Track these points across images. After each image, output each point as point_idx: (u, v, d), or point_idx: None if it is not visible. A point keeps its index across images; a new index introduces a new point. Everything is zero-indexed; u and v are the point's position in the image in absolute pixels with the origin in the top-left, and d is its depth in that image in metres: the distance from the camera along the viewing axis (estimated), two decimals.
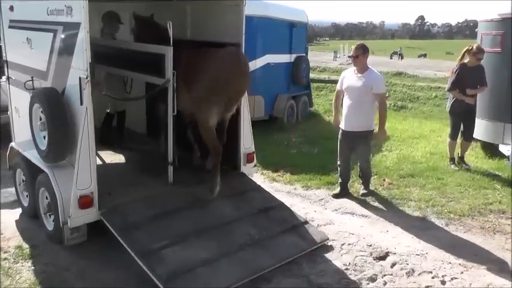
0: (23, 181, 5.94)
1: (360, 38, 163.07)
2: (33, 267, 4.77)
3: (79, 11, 4.46)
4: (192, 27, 6.35)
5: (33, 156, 5.34)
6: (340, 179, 6.87)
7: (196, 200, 5.30)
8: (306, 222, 5.43)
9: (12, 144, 6.18)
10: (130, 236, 4.55)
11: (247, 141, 5.93)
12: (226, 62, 5.22)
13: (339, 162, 6.83)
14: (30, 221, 5.75)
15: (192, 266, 4.27)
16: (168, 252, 4.40)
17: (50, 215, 5.27)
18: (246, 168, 6.00)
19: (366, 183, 6.88)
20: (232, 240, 4.77)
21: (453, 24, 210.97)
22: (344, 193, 6.77)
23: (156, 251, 4.39)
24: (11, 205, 6.30)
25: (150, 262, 4.26)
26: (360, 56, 6.34)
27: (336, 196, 6.71)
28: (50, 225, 5.29)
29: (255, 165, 6.21)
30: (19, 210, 6.07)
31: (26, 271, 4.70)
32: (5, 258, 4.93)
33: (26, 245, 5.22)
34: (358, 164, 6.89)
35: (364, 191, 6.79)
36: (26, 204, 5.92)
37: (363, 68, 6.38)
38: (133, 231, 4.62)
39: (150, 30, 5.94)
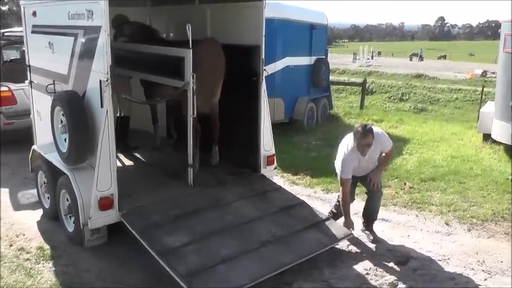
0: (44, 183, 5.98)
1: (379, 39, 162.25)
2: (54, 268, 4.80)
3: (99, 15, 4.48)
4: (212, 30, 6.33)
5: (55, 159, 5.37)
6: (332, 217, 5.59)
7: (216, 201, 5.29)
8: (328, 218, 5.33)
9: (34, 147, 6.23)
10: (151, 236, 4.54)
11: (267, 144, 5.90)
12: (204, 53, 5.45)
13: (338, 204, 5.62)
14: (51, 223, 5.79)
15: (213, 263, 4.23)
16: (189, 251, 4.37)
17: (70, 217, 5.30)
18: (266, 171, 5.96)
19: (370, 222, 5.58)
20: (253, 238, 4.71)
21: (474, 25, 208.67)
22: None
23: (176, 249, 4.37)
24: (33, 206, 6.36)
25: (170, 261, 4.23)
26: (372, 142, 5.06)
27: None
28: (70, 226, 5.32)
29: (275, 168, 6.17)
30: (40, 212, 6.11)
31: (47, 272, 4.73)
32: (27, 259, 4.97)
33: (47, 246, 5.25)
34: (368, 196, 5.55)
35: (375, 236, 5.50)
36: (47, 205, 5.95)
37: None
38: (153, 231, 4.61)
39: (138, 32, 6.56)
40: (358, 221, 5.78)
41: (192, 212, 4.99)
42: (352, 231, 5.19)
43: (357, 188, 5.66)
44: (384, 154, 5.37)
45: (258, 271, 4.25)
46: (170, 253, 4.33)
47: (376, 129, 5.23)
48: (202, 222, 4.85)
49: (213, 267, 4.19)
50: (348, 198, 5.26)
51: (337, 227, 5.20)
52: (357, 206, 5.75)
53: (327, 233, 5.03)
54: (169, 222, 4.76)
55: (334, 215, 5.71)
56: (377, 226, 5.68)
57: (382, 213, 6.16)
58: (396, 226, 5.90)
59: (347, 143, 5.22)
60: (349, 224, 5.22)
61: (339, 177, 5.35)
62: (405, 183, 7.37)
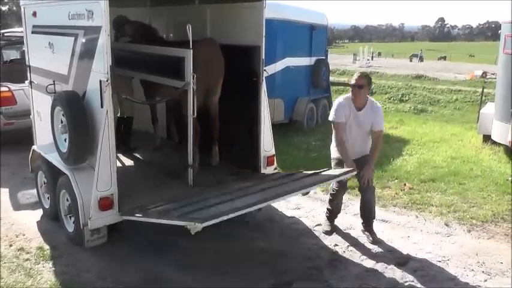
0: (44, 183, 5.97)
1: (379, 40, 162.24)
2: (53, 268, 4.79)
3: (100, 15, 4.47)
4: (212, 31, 6.33)
5: (55, 159, 5.37)
6: (329, 216, 5.81)
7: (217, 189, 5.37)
8: (329, 169, 5.45)
9: (34, 147, 6.23)
10: (148, 212, 4.60)
11: (267, 144, 5.89)
12: (203, 52, 5.43)
13: (331, 198, 5.69)
14: (51, 223, 5.78)
15: (209, 206, 4.33)
16: (186, 208, 4.44)
17: (70, 217, 5.29)
18: (266, 171, 5.95)
19: (369, 222, 5.58)
20: (253, 189, 4.89)
21: (474, 26, 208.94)
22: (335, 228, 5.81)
23: (173, 210, 4.44)
24: (33, 206, 6.36)
25: (165, 216, 4.30)
26: (364, 87, 5.27)
27: (328, 233, 5.67)
28: (70, 226, 5.31)
29: (275, 169, 6.16)
30: (40, 212, 6.11)
31: (46, 272, 4.73)
32: (27, 259, 4.97)
33: (47, 246, 5.25)
34: (361, 194, 5.53)
35: (375, 237, 5.49)
36: (47, 206, 5.95)
37: (363, 102, 5.33)
38: (152, 210, 4.66)
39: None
40: (358, 223, 5.79)
41: (191, 196, 5.07)
42: (355, 172, 5.17)
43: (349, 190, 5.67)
44: (374, 134, 5.39)
45: (254, 201, 4.36)
46: (166, 212, 4.42)
47: (373, 100, 5.44)
48: (202, 199, 4.88)
49: (208, 207, 4.29)
50: (343, 140, 5.34)
51: (339, 170, 5.31)
52: (357, 208, 5.75)
53: (331, 172, 5.24)
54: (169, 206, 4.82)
55: (330, 213, 5.74)
56: (377, 227, 5.68)
57: (382, 214, 6.18)
58: (396, 227, 5.89)
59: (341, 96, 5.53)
60: (351, 165, 5.21)
61: (332, 123, 5.42)
62: (405, 184, 7.37)
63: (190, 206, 4.51)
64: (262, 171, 5.91)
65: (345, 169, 5.14)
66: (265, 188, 4.90)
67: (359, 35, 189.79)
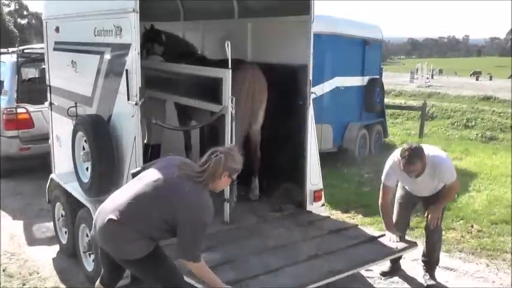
0: (62, 216, 6.05)
1: (441, 55, 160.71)
2: None
3: (129, 31, 4.55)
4: (253, 47, 6.37)
5: (74, 190, 5.44)
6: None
7: (257, 232, 5.33)
8: (384, 235, 5.27)
9: (52, 175, 6.32)
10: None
11: (314, 177, 5.85)
12: (245, 76, 5.58)
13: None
14: (68, 260, 5.86)
15: (254, 273, 4.24)
16: (225, 268, 4.32)
17: (90, 254, 5.33)
18: (313, 208, 5.89)
19: (433, 267, 5.52)
20: (300, 253, 4.75)
21: None
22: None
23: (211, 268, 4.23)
24: (49, 241, 6.44)
25: None
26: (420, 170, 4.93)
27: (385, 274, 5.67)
28: (89, 265, 5.35)
29: (323, 205, 6.09)
30: (57, 248, 6.19)
31: None
32: None
33: (63, 286, 5.30)
34: (426, 233, 5.48)
35: (436, 282, 5.44)
36: (64, 241, 6.02)
37: (419, 172, 4.94)
38: None
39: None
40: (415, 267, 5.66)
41: (228, 241, 5.00)
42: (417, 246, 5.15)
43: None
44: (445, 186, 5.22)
45: (306, 278, 4.25)
46: None
47: (435, 151, 5.17)
48: (240, 247, 4.87)
49: (255, 277, 4.20)
50: (387, 209, 5.31)
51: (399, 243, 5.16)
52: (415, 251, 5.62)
53: (387, 245, 5.04)
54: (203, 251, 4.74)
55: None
56: (440, 276, 5.55)
57: (445, 260, 6.02)
58: (462, 276, 5.73)
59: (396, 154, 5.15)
60: (392, 232, 5.11)
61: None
62: (472, 226, 7.19)
63: (234, 264, 4.44)
64: (309, 207, 5.86)
65: (404, 244, 5.05)
66: (314, 255, 4.68)
67: (417, 49, 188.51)
